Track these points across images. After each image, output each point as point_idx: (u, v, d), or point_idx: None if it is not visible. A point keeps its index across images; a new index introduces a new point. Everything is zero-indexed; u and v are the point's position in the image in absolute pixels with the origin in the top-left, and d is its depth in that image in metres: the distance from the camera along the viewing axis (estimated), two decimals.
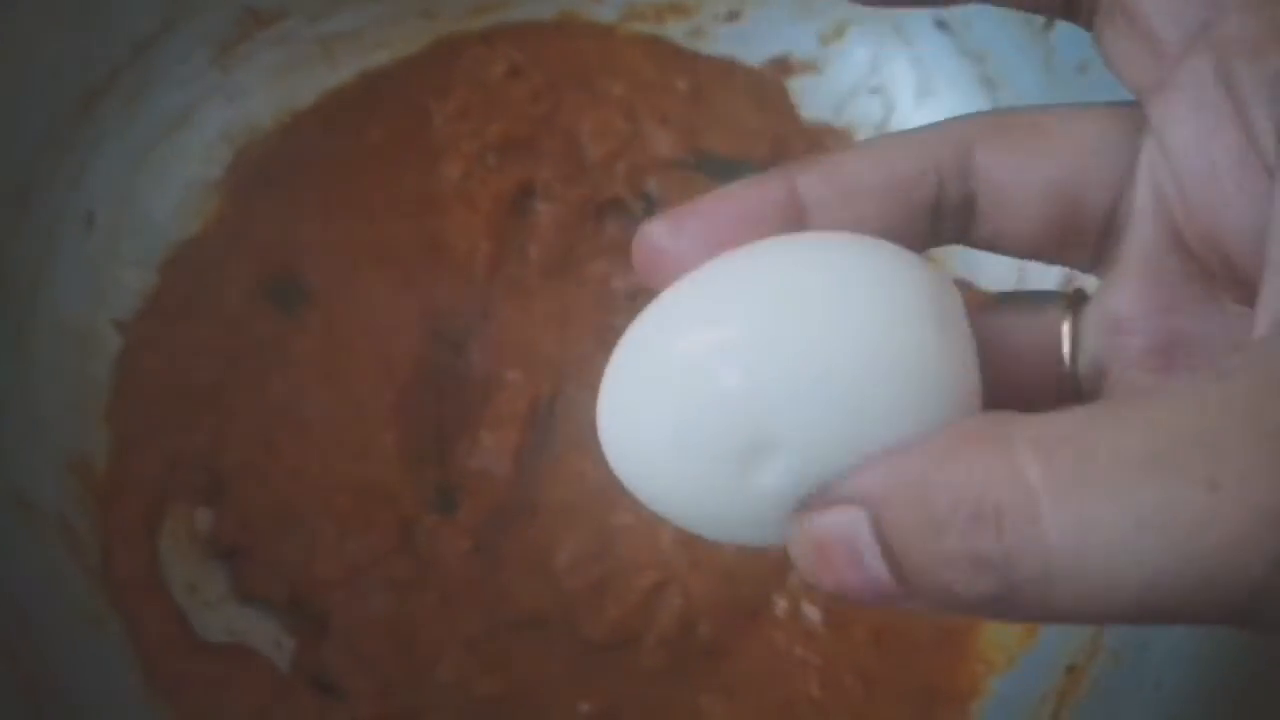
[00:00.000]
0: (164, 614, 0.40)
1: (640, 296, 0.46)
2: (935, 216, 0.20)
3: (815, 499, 0.16)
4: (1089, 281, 0.22)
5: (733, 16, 0.53)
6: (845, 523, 0.15)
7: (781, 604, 0.43)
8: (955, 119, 0.21)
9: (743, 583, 0.43)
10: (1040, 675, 0.42)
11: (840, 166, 0.20)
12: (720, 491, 0.17)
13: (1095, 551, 0.14)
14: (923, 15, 0.51)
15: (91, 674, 0.38)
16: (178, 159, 0.46)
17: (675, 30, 0.53)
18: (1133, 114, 0.20)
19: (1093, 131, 0.20)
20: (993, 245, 0.21)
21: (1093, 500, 0.14)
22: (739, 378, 0.17)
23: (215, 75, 0.46)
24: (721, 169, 0.49)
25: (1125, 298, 0.20)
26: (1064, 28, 0.51)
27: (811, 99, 0.53)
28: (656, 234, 0.20)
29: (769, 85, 0.53)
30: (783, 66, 0.53)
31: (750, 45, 0.53)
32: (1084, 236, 0.20)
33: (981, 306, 0.21)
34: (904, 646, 0.43)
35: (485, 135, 0.47)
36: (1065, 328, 0.21)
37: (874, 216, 0.19)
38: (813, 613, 0.44)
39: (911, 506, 0.15)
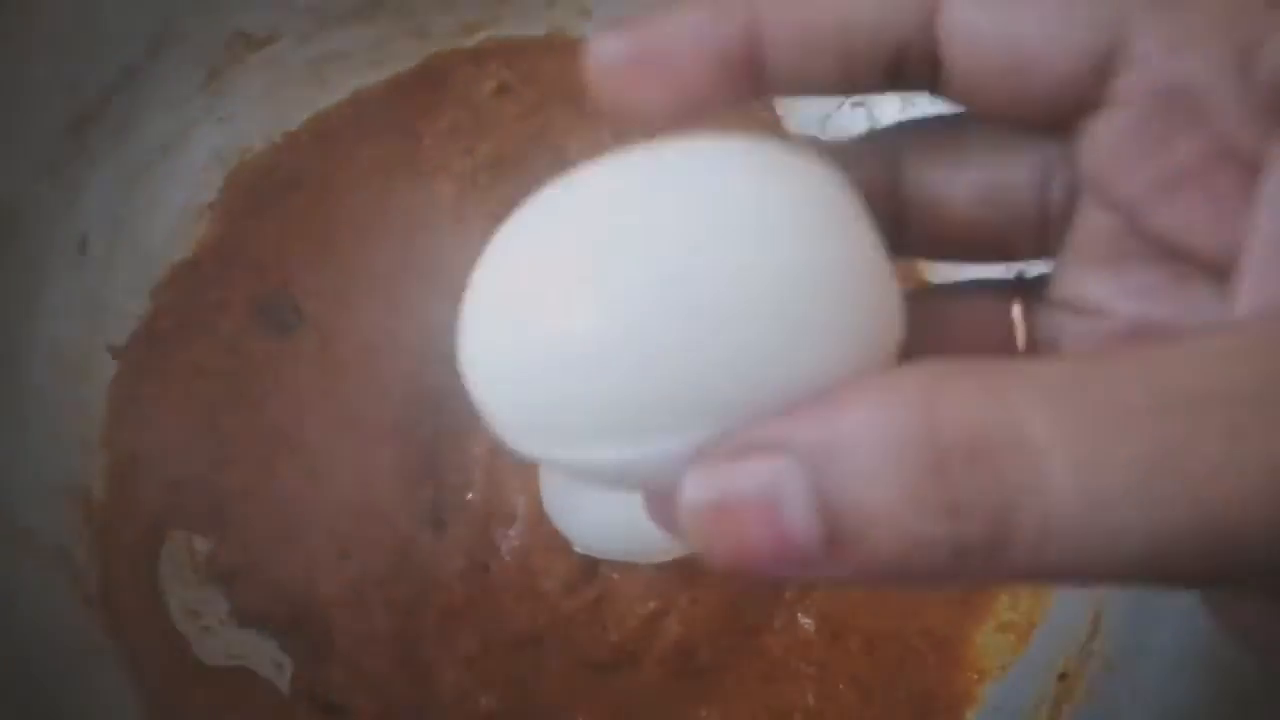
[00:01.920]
0: (164, 640, 0.40)
1: None
2: (898, 63, 0.19)
3: (713, 451, 0.14)
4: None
5: None
6: (765, 473, 0.13)
7: (777, 614, 0.44)
8: None
9: (745, 608, 0.43)
10: (1033, 682, 0.42)
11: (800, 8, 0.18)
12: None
13: (1102, 499, 0.13)
14: None
15: (92, 703, 0.38)
16: (170, 183, 0.45)
17: None
18: None
19: None
20: (964, 102, 0.19)
21: (1101, 446, 0.13)
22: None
23: (206, 98, 0.46)
24: None
25: (1090, 281, 0.19)
26: None
27: (796, 112, 0.53)
28: (617, 78, 0.18)
29: (754, 99, 0.53)
30: None
31: None
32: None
33: (920, 295, 0.20)
34: (898, 655, 0.44)
35: (476, 154, 0.47)
36: (1017, 312, 0.20)
37: (833, 60, 0.18)
38: (808, 622, 0.44)
39: (872, 453, 0.13)
